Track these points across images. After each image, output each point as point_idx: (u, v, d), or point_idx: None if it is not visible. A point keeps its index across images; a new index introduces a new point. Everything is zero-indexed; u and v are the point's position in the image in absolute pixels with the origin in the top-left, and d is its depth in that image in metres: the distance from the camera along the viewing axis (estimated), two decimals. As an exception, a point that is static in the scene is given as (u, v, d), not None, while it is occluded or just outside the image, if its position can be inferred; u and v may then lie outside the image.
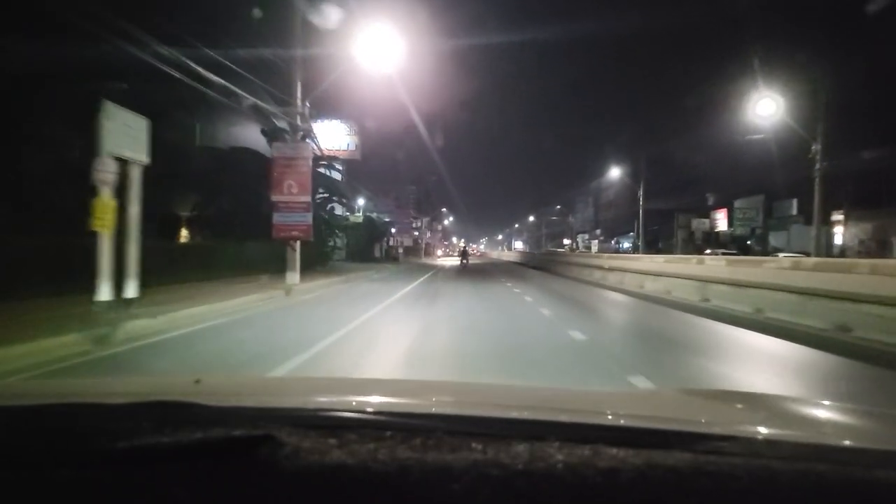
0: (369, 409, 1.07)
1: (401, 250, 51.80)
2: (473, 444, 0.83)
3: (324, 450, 0.81)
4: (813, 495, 0.72)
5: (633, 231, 66.75)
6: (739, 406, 1.43)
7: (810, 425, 1.05)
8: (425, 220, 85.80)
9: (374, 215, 54.63)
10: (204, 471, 0.76)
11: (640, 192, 37.98)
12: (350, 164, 47.12)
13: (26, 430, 0.90)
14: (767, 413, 1.30)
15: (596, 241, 75.25)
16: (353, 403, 1.16)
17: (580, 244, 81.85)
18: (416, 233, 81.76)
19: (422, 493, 0.73)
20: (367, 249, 45.55)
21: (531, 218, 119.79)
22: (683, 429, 0.96)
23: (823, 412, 1.33)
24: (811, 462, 0.78)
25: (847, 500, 0.72)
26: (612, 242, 67.38)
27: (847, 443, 0.86)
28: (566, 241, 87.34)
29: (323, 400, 1.18)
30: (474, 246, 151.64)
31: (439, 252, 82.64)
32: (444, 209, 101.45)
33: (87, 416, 0.97)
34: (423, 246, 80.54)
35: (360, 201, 52.19)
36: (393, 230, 62.31)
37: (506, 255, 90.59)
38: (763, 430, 0.93)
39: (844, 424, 1.19)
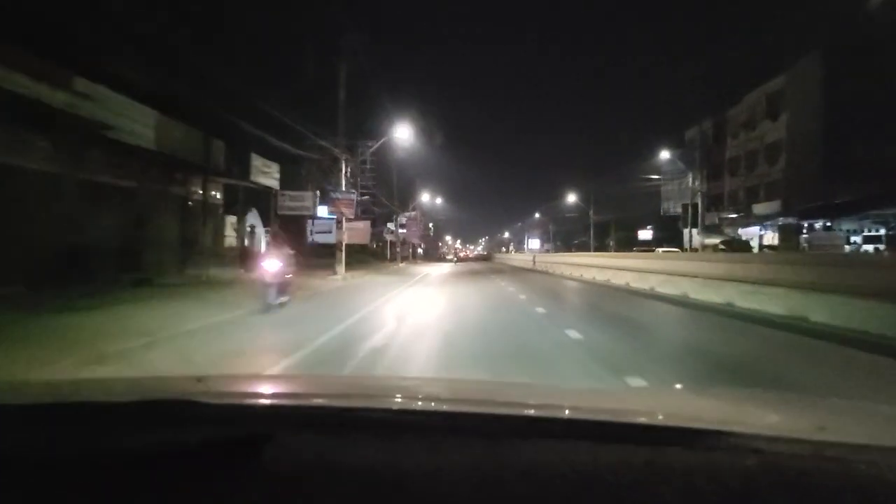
0: (371, 408, 1.08)
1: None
2: (476, 443, 0.82)
3: (325, 449, 0.81)
4: (821, 492, 0.71)
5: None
6: (743, 404, 1.41)
7: (817, 422, 1.05)
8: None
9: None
10: (206, 470, 0.77)
11: None
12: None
13: (31, 431, 0.92)
14: (772, 410, 1.28)
15: (764, 230, 34.18)
16: (355, 402, 1.17)
17: (697, 241, 35.29)
18: (398, 225, 44.35)
19: (424, 493, 0.72)
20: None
21: (571, 197, 62.79)
22: (687, 426, 0.95)
23: (831, 409, 1.30)
24: (818, 460, 0.76)
25: (854, 497, 0.70)
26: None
27: (855, 440, 0.85)
28: (643, 236, 45.46)
29: (324, 399, 1.22)
30: (470, 247, 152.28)
31: (400, 263, 35.38)
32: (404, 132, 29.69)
33: (91, 416, 0.98)
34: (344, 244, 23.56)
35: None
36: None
37: (558, 262, 35.57)
38: (769, 427, 0.93)
39: (852, 421, 1.17)
